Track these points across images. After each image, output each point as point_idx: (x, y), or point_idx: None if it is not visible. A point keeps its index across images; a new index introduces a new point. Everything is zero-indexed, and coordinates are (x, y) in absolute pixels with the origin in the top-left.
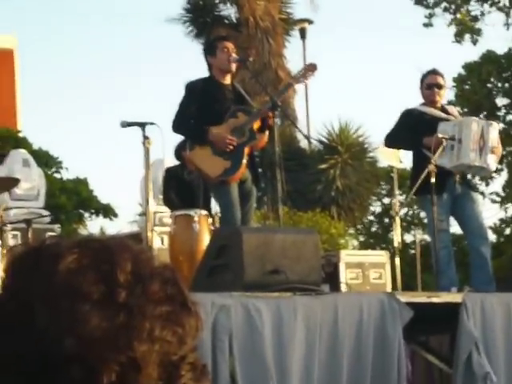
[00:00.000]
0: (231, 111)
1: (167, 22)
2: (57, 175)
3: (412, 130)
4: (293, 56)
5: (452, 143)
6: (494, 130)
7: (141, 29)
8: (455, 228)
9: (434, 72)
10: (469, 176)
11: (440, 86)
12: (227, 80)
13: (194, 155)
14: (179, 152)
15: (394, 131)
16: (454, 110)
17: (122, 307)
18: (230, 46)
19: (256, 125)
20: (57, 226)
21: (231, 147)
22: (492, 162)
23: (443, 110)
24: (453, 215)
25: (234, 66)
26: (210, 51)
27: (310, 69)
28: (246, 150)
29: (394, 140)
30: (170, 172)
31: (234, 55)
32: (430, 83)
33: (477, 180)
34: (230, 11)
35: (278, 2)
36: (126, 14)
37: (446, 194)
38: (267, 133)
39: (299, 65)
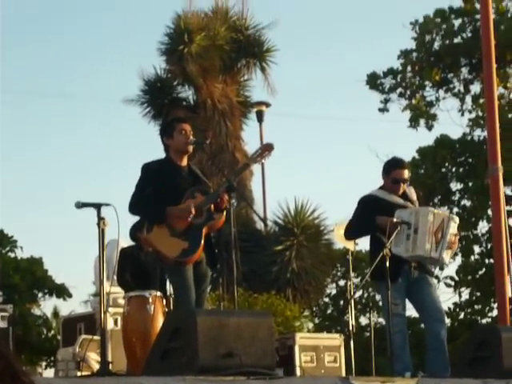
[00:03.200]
0: (189, 192)
1: (124, 102)
2: (11, 254)
3: (369, 216)
4: (250, 138)
5: (408, 232)
6: (455, 224)
7: (97, 109)
8: (409, 311)
9: (401, 166)
10: None
11: (405, 181)
12: (184, 162)
13: (151, 236)
14: (135, 233)
15: (352, 223)
16: (413, 193)
17: None
18: (188, 127)
19: (213, 205)
20: (9, 306)
21: (191, 216)
22: (447, 256)
23: (403, 194)
24: (409, 299)
25: (191, 148)
26: (167, 133)
27: (267, 149)
28: (205, 231)
29: (353, 232)
30: (125, 253)
31: (191, 137)
32: (396, 178)
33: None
34: (187, 93)
35: (236, 85)
36: (79, 93)
37: (402, 279)
38: (224, 213)
39: (256, 147)
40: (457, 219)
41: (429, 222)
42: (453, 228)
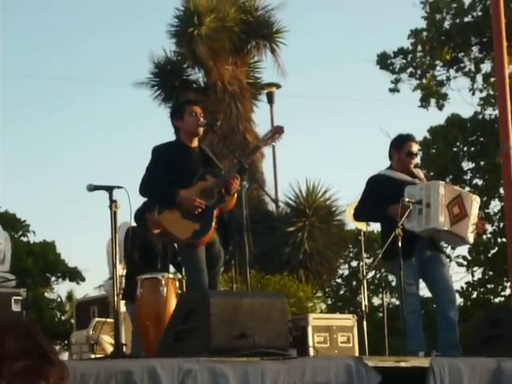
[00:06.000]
0: (200, 174)
1: (135, 85)
2: (23, 238)
3: (380, 197)
4: (261, 120)
5: (420, 207)
6: (477, 204)
7: (108, 92)
8: (422, 292)
9: (412, 139)
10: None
11: (416, 155)
12: (194, 143)
13: (162, 218)
14: (140, 215)
15: (362, 204)
16: (421, 173)
17: None
18: (198, 110)
19: (224, 187)
20: (23, 290)
21: (199, 210)
22: (471, 234)
23: (410, 173)
24: (422, 278)
25: (201, 130)
26: (177, 115)
27: (278, 131)
28: (215, 213)
29: (363, 214)
30: (133, 232)
31: (201, 119)
32: (410, 151)
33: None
34: (197, 75)
35: (246, 67)
36: (91, 77)
37: (415, 258)
38: (235, 195)
39: (267, 128)
40: (478, 199)
41: (440, 195)
42: (475, 209)
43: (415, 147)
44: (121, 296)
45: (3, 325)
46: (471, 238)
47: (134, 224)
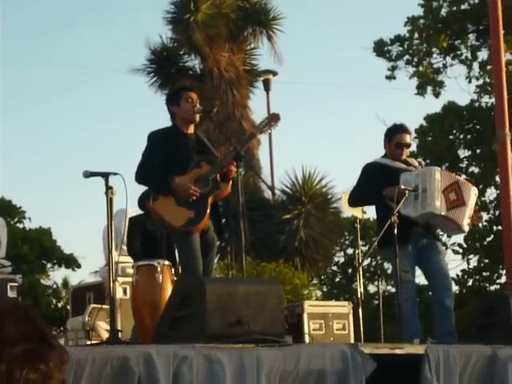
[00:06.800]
0: (195, 161)
1: (131, 72)
2: (19, 225)
3: (375, 184)
4: (257, 107)
5: (416, 193)
6: (475, 196)
7: (104, 79)
8: (418, 279)
9: (403, 130)
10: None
11: (408, 145)
12: (190, 130)
13: (157, 205)
14: (143, 202)
15: (356, 189)
16: (415, 162)
17: None
18: (194, 96)
19: (219, 175)
20: (18, 277)
21: (194, 197)
22: (467, 222)
23: (405, 161)
24: (418, 266)
25: (197, 117)
26: (173, 101)
27: (273, 119)
28: (210, 200)
29: (358, 199)
30: (134, 221)
31: (198, 106)
32: (399, 142)
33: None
34: (194, 62)
35: (243, 54)
36: (87, 63)
37: (411, 245)
38: (230, 182)
39: (263, 115)
40: (476, 191)
41: (436, 180)
42: (473, 199)
43: (406, 138)
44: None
45: (2, 309)
46: (467, 227)
47: (131, 212)
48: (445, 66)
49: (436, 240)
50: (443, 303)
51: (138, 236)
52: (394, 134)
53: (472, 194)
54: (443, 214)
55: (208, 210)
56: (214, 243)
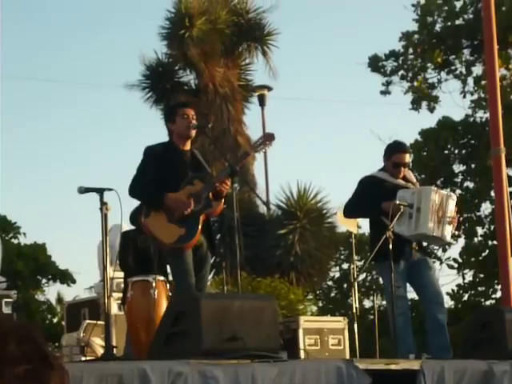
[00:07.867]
0: (188, 178)
1: (126, 87)
2: (14, 240)
3: (370, 197)
4: (252, 122)
5: (410, 211)
6: (453, 201)
7: (99, 94)
8: (412, 294)
9: (402, 150)
10: (424, 243)
11: (406, 165)
12: (187, 146)
13: (148, 222)
14: (135, 217)
15: (352, 201)
16: (412, 176)
17: None
18: (191, 112)
19: (212, 193)
20: (13, 292)
21: (188, 210)
22: (448, 233)
23: (403, 176)
24: (409, 282)
25: (193, 133)
26: (169, 118)
27: (268, 138)
28: (202, 218)
29: (352, 210)
30: (127, 236)
31: (193, 122)
32: (397, 162)
33: (434, 246)
34: (189, 78)
35: (238, 69)
36: (82, 80)
37: (403, 261)
38: (223, 201)
39: (258, 131)
40: (455, 197)
41: (431, 200)
42: (451, 205)
43: (405, 158)
44: (120, 301)
45: (4, 328)
46: (448, 235)
47: (125, 227)
48: (439, 81)
49: (427, 256)
50: (436, 319)
51: (130, 251)
52: (392, 152)
53: (449, 200)
54: (435, 234)
55: (199, 228)
56: (207, 259)
